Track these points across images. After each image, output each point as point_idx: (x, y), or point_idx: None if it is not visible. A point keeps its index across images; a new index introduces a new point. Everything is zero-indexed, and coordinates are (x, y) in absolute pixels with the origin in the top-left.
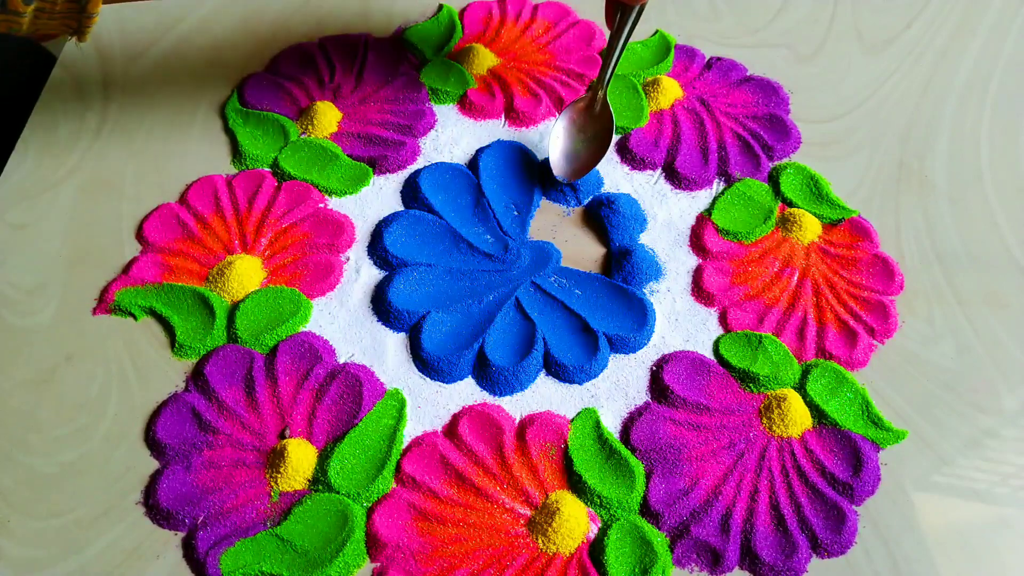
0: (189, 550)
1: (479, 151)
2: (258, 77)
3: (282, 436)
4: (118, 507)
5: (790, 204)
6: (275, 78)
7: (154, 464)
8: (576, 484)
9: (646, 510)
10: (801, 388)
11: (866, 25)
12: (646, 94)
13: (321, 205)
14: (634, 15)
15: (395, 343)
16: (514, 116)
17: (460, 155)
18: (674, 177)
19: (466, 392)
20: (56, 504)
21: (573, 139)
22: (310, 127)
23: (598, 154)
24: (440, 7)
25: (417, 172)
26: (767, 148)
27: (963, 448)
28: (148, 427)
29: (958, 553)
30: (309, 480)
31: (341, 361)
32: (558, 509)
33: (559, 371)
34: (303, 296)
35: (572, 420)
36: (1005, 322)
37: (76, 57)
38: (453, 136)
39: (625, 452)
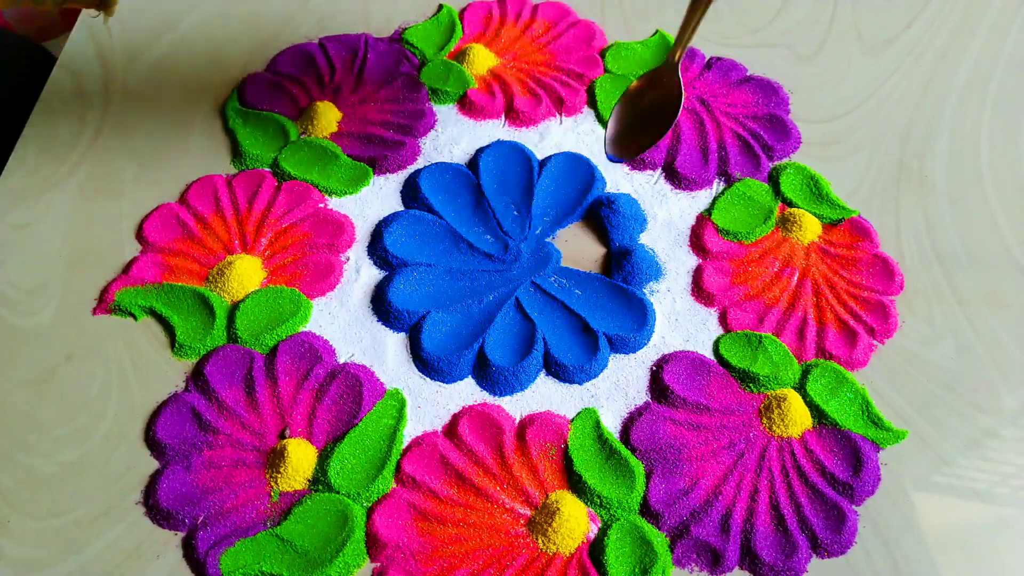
0: (189, 550)
1: (479, 151)
2: (258, 77)
3: (282, 436)
4: (118, 507)
5: (790, 204)
6: (275, 78)
7: (154, 464)
8: (576, 484)
9: (646, 510)
10: (801, 388)
11: (866, 25)
12: None
13: (321, 205)
14: None
15: (395, 343)
16: (514, 116)
17: (460, 155)
18: (674, 177)
19: (466, 392)
20: (56, 504)
21: (633, 117)
22: (310, 127)
23: (660, 132)
24: (440, 7)
25: (417, 172)
26: (767, 148)
27: (963, 448)
28: (148, 427)
29: (958, 553)
30: (309, 480)
31: (341, 361)
32: (558, 509)
33: (559, 371)
34: (303, 296)
35: (572, 420)
36: (1005, 322)
37: (76, 57)
38: (453, 136)
39: (625, 452)
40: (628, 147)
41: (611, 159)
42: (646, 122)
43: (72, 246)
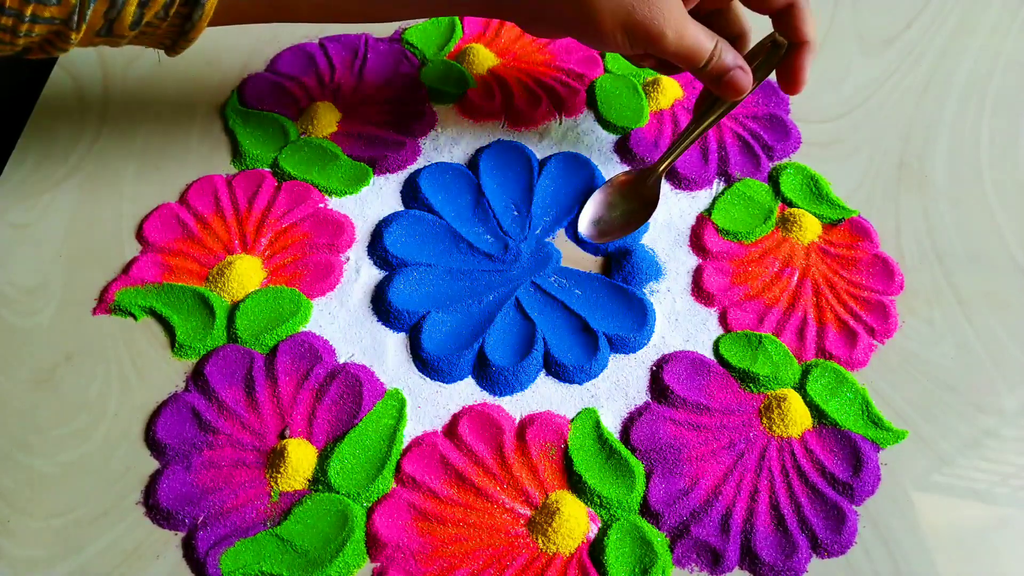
0: (189, 550)
1: (479, 151)
2: (258, 77)
3: (282, 436)
4: (118, 507)
5: (790, 204)
6: (275, 78)
7: (154, 464)
8: (576, 484)
9: (646, 510)
10: (801, 388)
11: (866, 25)
12: (646, 94)
13: (321, 205)
14: (726, 107)
15: (395, 343)
16: (514, 116)
17: (460, 155)
18: (674, 177)
19: (466, 392)
20: (56, 504)
21: (612, 207)
22: (310, 127)
23: (632, 227)
24: None
25: (417, 172)
26: (767, 148)
27: (963, 448)
28: (148, 427)
29: (958, 553)
30: (309, 480)
31: (341, 361)
32: (558, 509)
33: (559, 371)
34: (303, 296)
35: (572, 420)
36: (1005, 322)
37: (76, 57)
38: (453, 136)
39: (625, 452)
40: (600, 233)
41: (582, 237)
42: (622, 217)
43: (72, 246)
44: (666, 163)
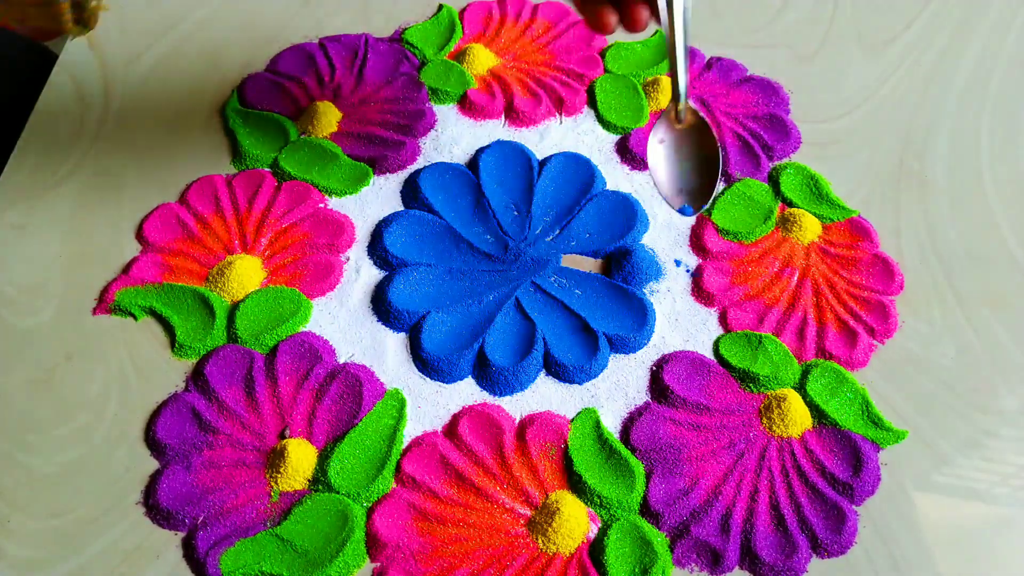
0: (189, 550)
1: (479, 151)
2: (258, 77)
3: (282, 436)
4: (118, 507)
5: (790, 204)
6: (275, 78)
7: (154, 464)
8: (576, 484)
9: (646, 510)
10: (801, 388)
11: (866, 25)
12: (646, 94)
13: (321, 205)
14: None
15: (395, 343)
16: (514, 116)
17: (460, 155)
18: None
19: (466, 392)
20: (56, 504)
21: (677, 163)
22: (310, 127)
23: (712, 171)
24: (440, 7)
25: (417, 172)
26: (767, 148)
27: (963, 448)
28: (148, 427)
29: (958, 553)
30: (309, 480)
31: (341, 361)
32: (558, 509)
33: (559, 371)
34: (303, 296)
35: (572, 420)
36: (1005, 322)
37: (76, 57)
38: (453, 136)
39: (625, 452)
40: (693, 200)
41: (683, 212)
42: (695, 171)
43: (72, 246)
44: (682, 92)
